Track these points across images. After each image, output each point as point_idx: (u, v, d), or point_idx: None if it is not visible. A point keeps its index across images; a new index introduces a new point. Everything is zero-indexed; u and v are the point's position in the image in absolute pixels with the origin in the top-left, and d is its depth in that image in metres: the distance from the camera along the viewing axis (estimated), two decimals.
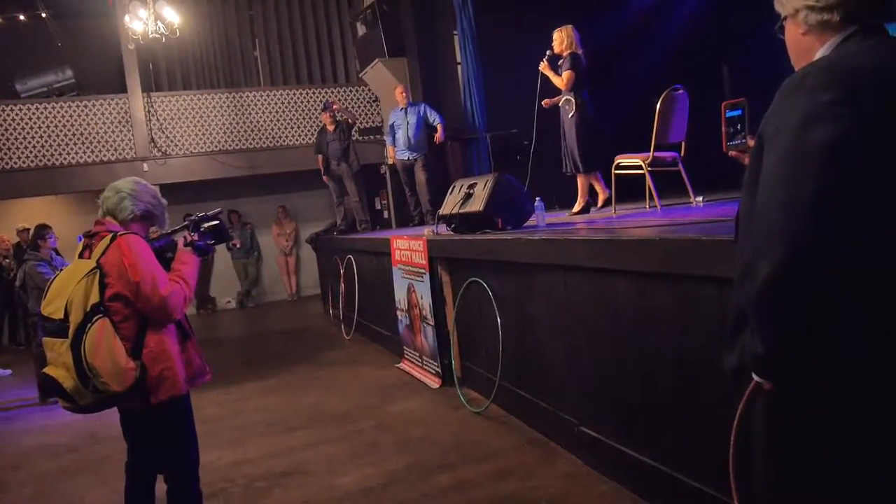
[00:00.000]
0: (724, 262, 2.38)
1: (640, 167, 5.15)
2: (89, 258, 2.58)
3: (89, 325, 2.45)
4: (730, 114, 1.75)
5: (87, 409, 2.57)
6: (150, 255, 2.61)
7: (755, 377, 1.42)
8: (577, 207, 5.80)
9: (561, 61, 5.65)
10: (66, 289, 2.50)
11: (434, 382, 5.43)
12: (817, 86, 1.32)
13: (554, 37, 5.70)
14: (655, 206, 5.15)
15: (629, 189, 5.78)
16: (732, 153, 1.75)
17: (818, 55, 1.46)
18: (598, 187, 5.82)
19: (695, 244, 2.59)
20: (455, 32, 8.88)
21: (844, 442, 1.32)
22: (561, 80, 5.59)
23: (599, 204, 5.80)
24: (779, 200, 1.30)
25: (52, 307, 2.51)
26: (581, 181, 5.78)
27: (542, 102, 5.83)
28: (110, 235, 2.59)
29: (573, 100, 5.58)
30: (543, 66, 5.67)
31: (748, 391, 1.48)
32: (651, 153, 5.05)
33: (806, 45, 1.50)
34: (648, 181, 5.14)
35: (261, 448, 4.46)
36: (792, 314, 1.31)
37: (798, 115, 1.31)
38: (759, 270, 1.31)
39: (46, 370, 2.53)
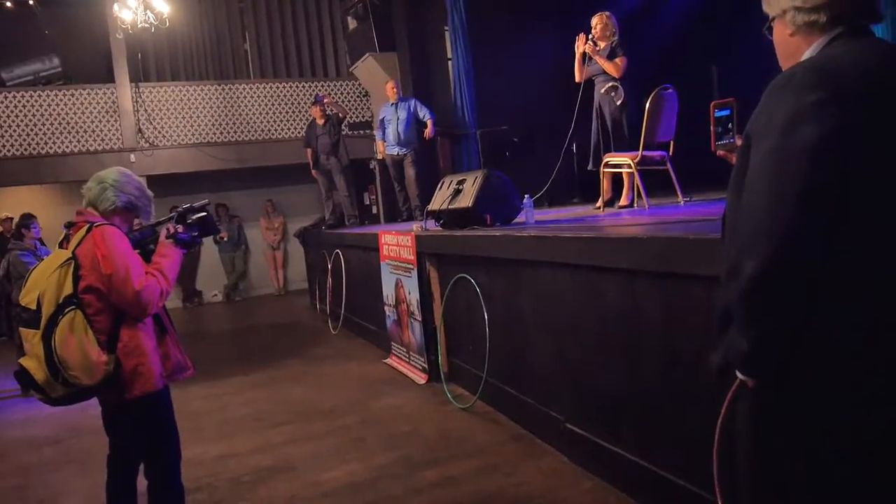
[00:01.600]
0: (710, 261, 2.39)
1: (629, 166, 5.16)
2: (67, 249, 2.55)
3: (60, 316, 2.42)
4: (718, 113, 1.76)
5: (59, 401, 2.54)
6: (125, 246, 2.56)
7: (740, 375, 1.42)
8: (624, 200, 5.48)
9: (602, 47, 5.40)
10: (42, 279, 2.47)
11: (421, 378, 5.43)
12: (804, 86, 1.33)
13: (594, 23, 5.44)
14: (643, 205, 5.17)
15: (618, 187, 5.79)
16: (720, 153, 1.76)
17: (805, 56, 1.47)
18: (626, 184, 5.50)
19: (682, 243, 2.60)
20: (446, 28, 8.87)
21: (827, 441, 1.33)
22: (614, 66, 5.32)
23: (623, 202, 5.49)
24: (764, 200, 1.30)
25: (28, 297, 2.49)
26: (625, 174, 5.43)
27: (579, 44, 5.43)
28: (87, 226, 2.56)
29: (620, 87, 5.35)
30: (590, 49, 5.38)
31: (732, 389, 1.49)
32: (640, 152, 5.07)
33: (793, 45, 1.51)
34: (637, 180, 5.16)
35: (247, 443, 4.44)
36: (776, 313, 1.32)
37: (785, 115, 1.32)
38: (744, 269, 1.32)
39: (21, 361, 2.51)
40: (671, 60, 8.34)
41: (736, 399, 1.50)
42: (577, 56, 5.51)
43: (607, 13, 5.50)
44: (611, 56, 5.37)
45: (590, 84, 5.62)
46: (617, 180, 5.59)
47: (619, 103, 5.38)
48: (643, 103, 5.09)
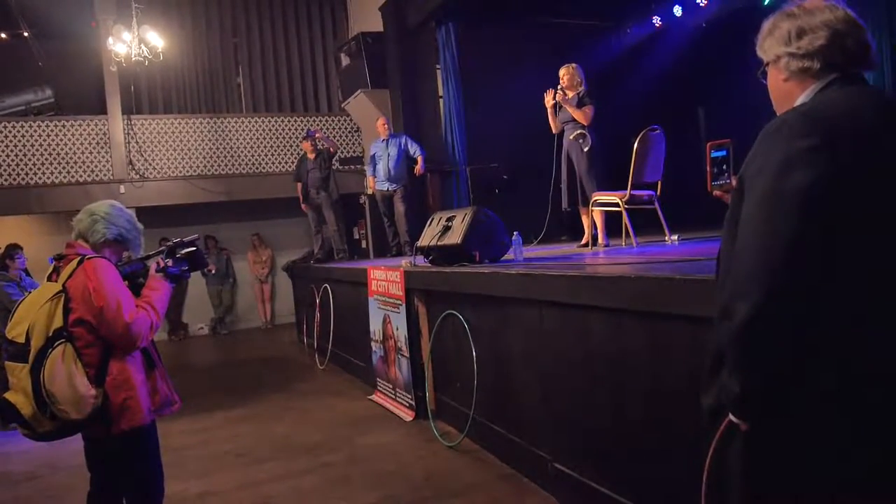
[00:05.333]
0: (696, 301, 2.40)
1: (617, 205, 5.21)
2: (57, 281, 2.53)
3: (50, 349, 2.39)
4: (714, 154, 1.78)
5: (45, 436, 2.50)
6: (116, 279, 2.56)
7: (732, 418, 1.42)
8: (585, 240, 5.72)
9: (573, 95, 5.66)
10: (31, 312, 2.45)
11: (407, 415, 5.38)
12: (796, 132, 1.34)
13: (561, 73, 5.74)
14: (631, 244, 5.21)
15: (606, 226, 5.84)
16: (716, 193, 1.78)
17: (799, 101, 1.49)
18: (600, 224, 5.70)
19: (669, 283, 2.61)
20: (438, 66, 9.00)
21: (819, 484, 1.33)
22: (582, 114, 5.58)
23: (599, 240, 5.69)
24: (757, 244, 1.31)
25: (16, 330, 2.46)
26: (587, 215, 5.67)
27: (548, 99, 5.70)
28: (78, 258, 2.55)
29: (588, 134, 5.58)
30: (560, 97, 5.65)
31: (720, 430, 1.48)
32: (628, 191, 5.12)
33: (787, 90, 1.53)
34: (625, 218, 5.20)
35: (229, 480, 4.36)
36: (768, 356, 1.31)
37: (777, 161, 1.33)
38: (736, 312, 1.32)
39: (6, 395, 2.46)
40: (659, 102, 8.50)
41: (726, 440, 1.49)
42: (549, 109, 5.79)
43: (574, 64, 5.80)
44: (579, 105, 5.63)
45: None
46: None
47: (586, 150, 5.62)
48: (631, 143, 5.17)
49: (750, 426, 1.39)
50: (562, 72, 5.76)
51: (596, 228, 5.68)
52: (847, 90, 1.44)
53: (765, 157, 1.37)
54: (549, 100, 5.73)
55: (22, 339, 2.42)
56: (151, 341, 2.70)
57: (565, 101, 5.65)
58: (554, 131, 5.89)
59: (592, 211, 5.56)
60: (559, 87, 5.71)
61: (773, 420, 1.36)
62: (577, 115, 5.60)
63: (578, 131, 5.64)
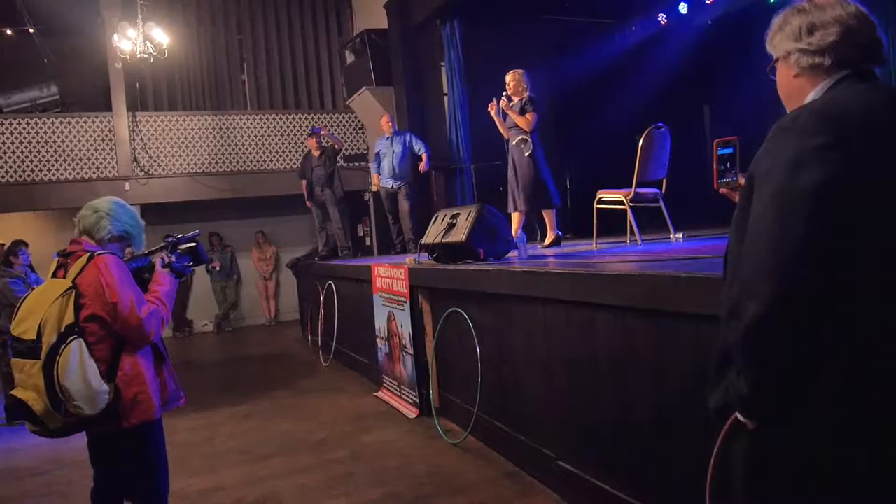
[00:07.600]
0: (702, 299, 2.39)
1: (621, 202, 5.20)
2: (64, 277, 2.54)
3: (63, 346, 2.39)
4: (721, 151, 1.76)
5: (56, 433, 2.50)
6: (127, 275, 2.58)
7: (739, 417, 1.41)
8: (547, 241, 5.93)
9: (514, 102, 5.81)
10: (39, 309, 2.45)
11: (411, 412, 5.38)
12: (808, 129, 1.33)
13: (508, 80, 5.89)
14: (636, 241, 5.20)
15: (611, 223, 5.84)
16: (723, 190, 1.76)
17: (809, 98, 1.48)
18: (549, 222, 5.97)
19: (673, 280, 2.60)
20: (442, 64, 8.99)
21: (827, 485, 1.32)
22: (525, 120, 5.73)
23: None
24: (767, 242, 1.30)
25: (22, 327, 2.45)
26: (547, 216, 5.92)
27: (491, 108, 5.84)
28: (87, 255, 2.55)
29: (530, 140, 5.74)
30: (504, 105, 5.80)
31: (725, 429, 1.47)
32: (633, 189, 5.11)
33: (797, 87, 1.52)
34: (629, 216, 5.19)
35: (233, 476, 4.37)
36: (778, 355, 1.30)
37: (788, 158, 1.32)
38: (746, 311, 1.30)
39: (14, 392, 2.46)
40: (664, 100, 8.48)
41: (731, 439, 1.48)
42: (494, 117, 5.92)
43: (521, 71, 5.95)
44: (522, 111, 5.77)
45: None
46: (604, 217, 5.73)
47: (527, 155, 5.77)
48: (636, 141, 5.17)
49: (757, 425, 1.39)
50: (508, 77, 5.89)
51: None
52: (859, 87, 1.42)
53: (775, 155, 1.35)
54: (491, 109, 5.84)
55: (30, 336, 2.42)
56: (160, 336, 2.72)
57: (508, 107, 5.78)
58: (505, 136, 6.02)
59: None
60: (504, 93, 5.83)
61: (780, 419, 1.35)
62: (520, 121, 5.76)
63: (521, 136, 5.79)
